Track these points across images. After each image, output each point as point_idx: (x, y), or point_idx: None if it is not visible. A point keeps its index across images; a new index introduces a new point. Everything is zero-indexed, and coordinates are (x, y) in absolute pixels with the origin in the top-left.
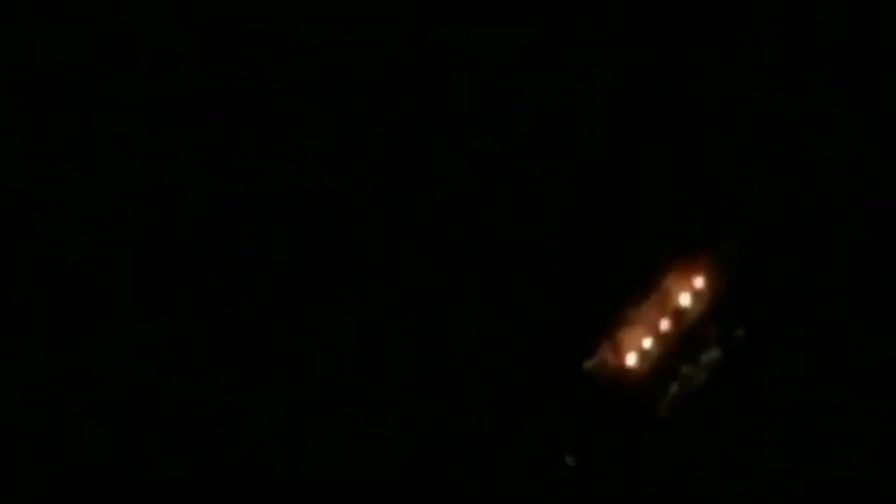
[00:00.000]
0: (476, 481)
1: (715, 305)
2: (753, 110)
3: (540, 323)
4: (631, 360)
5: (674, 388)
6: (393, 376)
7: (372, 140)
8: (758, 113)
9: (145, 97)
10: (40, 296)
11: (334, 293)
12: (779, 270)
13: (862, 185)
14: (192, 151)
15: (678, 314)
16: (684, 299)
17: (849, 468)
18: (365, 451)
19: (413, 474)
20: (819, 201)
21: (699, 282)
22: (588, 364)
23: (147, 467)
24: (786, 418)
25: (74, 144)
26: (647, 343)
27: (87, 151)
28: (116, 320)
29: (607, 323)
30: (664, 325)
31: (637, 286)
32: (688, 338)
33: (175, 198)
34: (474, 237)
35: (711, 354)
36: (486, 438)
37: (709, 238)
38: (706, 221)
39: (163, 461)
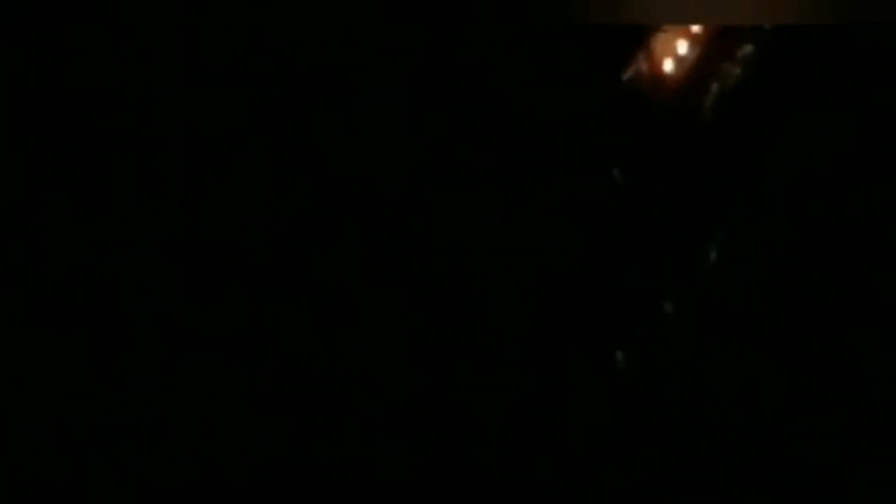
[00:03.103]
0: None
1: None
2: None
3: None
4: (668, 66)
5: (714, 87)
6: None
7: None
8: None
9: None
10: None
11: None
12: None
13: None
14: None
15: None
16: None
17: None
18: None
19: None
20: None
21: None
22: (625, 75)
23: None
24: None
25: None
26: (683, 47)
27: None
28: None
29: (640, 32)
30: (696, 25)
31: None
32: (721, 34)
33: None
34: None
35: (745, 48)
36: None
37: None
38: None
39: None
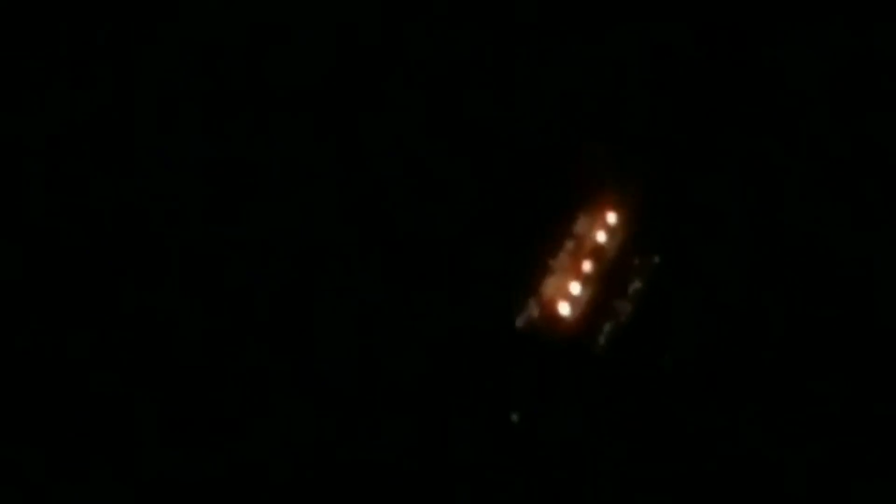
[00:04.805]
0: (422, 450)
1: (631, 236)
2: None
3: (462, 291)
4: (563, 309)
5: (607, 325)
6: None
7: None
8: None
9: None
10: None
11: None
12: (684, 192)
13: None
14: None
15: (598, 253)
16: (600, 237)
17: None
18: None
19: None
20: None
21: (611, 217)
22: (518, 322)
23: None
24: (713, 334)
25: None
26: (575, 289)
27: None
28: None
29: (529, 277)
30: (587, 266)
31: (551, 235)
32: (612, 273)
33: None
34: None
35: (636, 285)
36: (430, 413)
37: (612, 173)
38: (606, 158)
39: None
